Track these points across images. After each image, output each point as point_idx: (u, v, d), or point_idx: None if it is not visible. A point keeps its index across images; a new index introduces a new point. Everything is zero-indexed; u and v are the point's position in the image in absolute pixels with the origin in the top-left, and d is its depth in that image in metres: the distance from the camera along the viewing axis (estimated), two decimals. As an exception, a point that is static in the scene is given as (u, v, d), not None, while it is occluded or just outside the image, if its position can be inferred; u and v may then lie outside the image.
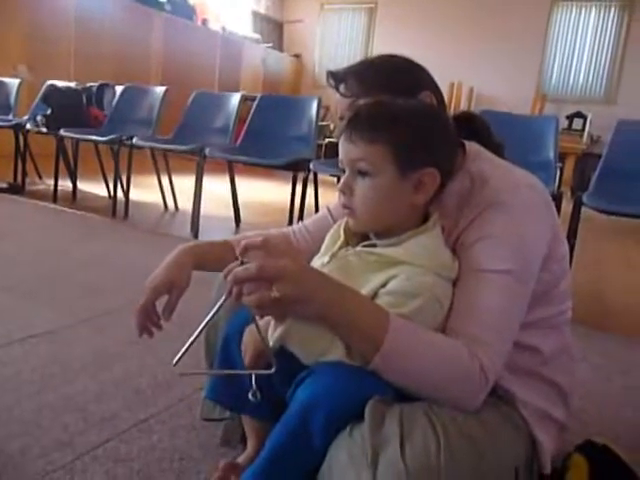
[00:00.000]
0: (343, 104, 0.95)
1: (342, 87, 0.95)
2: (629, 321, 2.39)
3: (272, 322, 0.78)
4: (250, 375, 0.87)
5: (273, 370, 0.78)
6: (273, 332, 0.77)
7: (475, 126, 0.99)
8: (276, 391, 0.86)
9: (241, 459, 1.01)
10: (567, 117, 7.90)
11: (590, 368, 1.72)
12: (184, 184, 3.96)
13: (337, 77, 0.96)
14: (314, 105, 3.29)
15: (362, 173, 0.81)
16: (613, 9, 8.28)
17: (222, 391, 1.01)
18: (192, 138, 3.46)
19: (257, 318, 0.78)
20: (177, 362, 0.77)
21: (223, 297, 0.76)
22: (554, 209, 0.89)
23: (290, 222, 2.93)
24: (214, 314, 0.78)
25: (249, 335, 0.89)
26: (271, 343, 0.78)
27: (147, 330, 0.96)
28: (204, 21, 8.42)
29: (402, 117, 0.82)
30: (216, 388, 1.02)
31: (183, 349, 0.77)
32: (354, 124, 0.82)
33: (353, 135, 0.81)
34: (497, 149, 0.96)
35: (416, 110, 0.84)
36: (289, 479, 0.77)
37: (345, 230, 0.89)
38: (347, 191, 0.83)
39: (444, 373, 0.76)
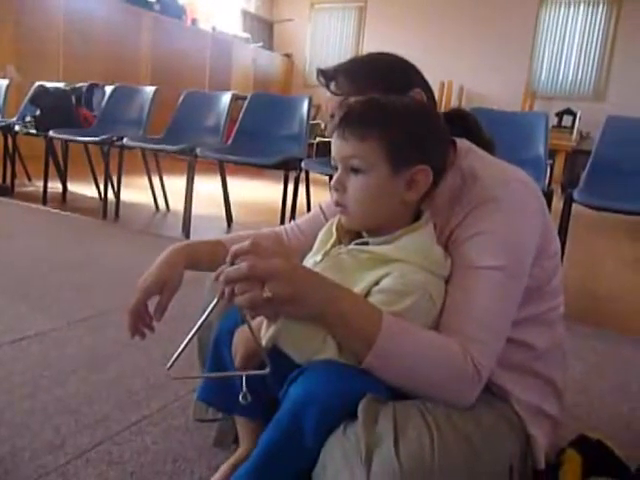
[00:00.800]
0: (333, 102, 0.94)
1: (332, 85, 0.95)
2: (621, 317, 2.40)
3: (264, 322, 0.78)
4: (241, 377, 0.87)
5: (267, 370, 0.77)
6: (265, 332, 0.77)
7: (466, 123, 0.99)
8: (268, 391, 0.85)
9: (233, 459, 1.00)
10: (557, 114, 7.94)
11: (583, 365, 1.73)
12: (175, 184, 3.94)
13: (327, 75, 0.95)
14: (305, 104, 3.29)
15: (354, 170, 0.81)
16: (601, 6, 8.32)
17: (214, 393, 1.00)
18: (183, 138, 3.45)
19: (249, 318, 0.77)
20: (171, 366, 0.77)
21: (215, 299, 0.75)
22: (545, 204, 0.89)
23: (282, 221, 2.93)
24: (206, 317, 0.77)
25: (240, 336, 0.89)
26: (263, 343, 0.77)
27: (139, 331, 0.95)
28: (194, 21, 8.39)
29: (395, 114, 0.82)
30: (208, 390, 1.01)
31: (177, 353, 0.76)
32: (347, 121, 0.82)
33: (346, 132, 0.81)
34: (487, 146, 0.96)
35: (409, 107, 0.84)
36: (282, 478, 0.76)
37: (337, 228, 0.89)
38: (340, 188, 0.83)
39: (437, 371, 0.76)
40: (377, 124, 0.80)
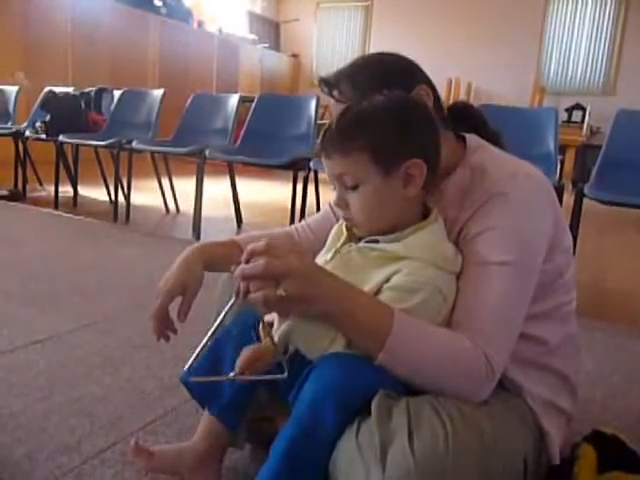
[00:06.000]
0: (339, 109, 0.94)
1: (336, 93, 0.94)
2: (633, 311, 2.39)
3: (276, 319, 0.78)
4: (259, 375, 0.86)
5: (285, 375, 0.78)
6: (277, 328, 0.78)
7: (471, 118, 0.99)
8: (257, 407, 0.88)
9: (177, 447, 0.98)
10: (566, 109, 7.89)
11: (595, 359, 1.72)
12: (185, 186, 3.96)
13: (330, 83, 0.95)
14: (313, 104, 3.30)
15: (349, 186, 0.82)
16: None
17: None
18: (192, 140, 3.46)
19: (264, 316, 0.78)
20: (190, 367, 0.78)
21: (232, 299, 0.76)
22: (556, 197, 0.89)
23: (292, 221, 2.93)
24: (224, 316, 0.78)
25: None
26: (275, 339, 0.78)
27: (164, 335, 0.95)
28: (200, 23, 8.42)
29: (370, 118, 0.81)
30: (194, 375, 0.96)
31: (195, 353, 0.77)
32: (327, 140, 0.82)
33: (329, 151, 0.82)
34: (495, 138, 0.96)
35: (384, 106, 0.82)
36: (309, 476, 0.75)
37: (348, 227, 0.89)
38: (342, 205, 0.84)
39: (449, 368, 0.77)
40: (354, 136, 0.80)
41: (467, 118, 0.98)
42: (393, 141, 0.80)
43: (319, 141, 0.83)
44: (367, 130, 0.80)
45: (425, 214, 0.86)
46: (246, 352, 0.84)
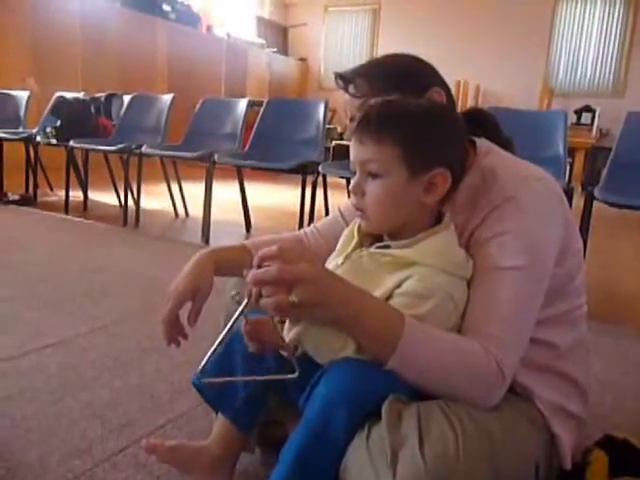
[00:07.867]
0: (353, 105, 0.94)
1: (351, 88, 0.94)
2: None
3: (286, 323, 0.78)
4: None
5: (296, 374, 0.78)
6: (288, 332, 0.78)
7: (484, 123, 0.99)
8: (288, 397, 0.86)
9: (194, 446, 0.97)
10: (575, 112, 7.86)
11: (604, 362, 1.71)
12: (194, 191, 3.98)
13: (345, 78, 0.95)
14: (321, 108, 3.31)
15: (372, 174, 0.81)
16: (619, 0, 8.21)
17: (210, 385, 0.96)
18: (201, 145, 3.48)
19: (276, 319, 0.78)
20: (202, 370, 0.78)
21: (244, 302, 0.77)
22: (566, 202, 0.89)
23: (300, 225, 2.94)
24: (235, 320, 0.79)
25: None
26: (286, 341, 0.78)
27: (174, 339, 0.95)
28: (209, 27, 8.47)
29: (412, 117, 0.81)
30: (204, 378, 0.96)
31: (207, 356, 0.78)
32: (364, 125, 0.81)
33: (363, 136, 0.81)
34: (507, 145, 0.96)
35: (426, 110, 0.83)
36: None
37: (359, 231, 0.89)
38: (358, 192, 0.83)
39: (460, 373, 0.76)
40: (393, 128, 0.80)
41: (480, 123, 0.98)
42: (427, 146, 0.80)
43: (355, 124, 0.82)
44: (407, 127, 0.80)
45: (437, 219, 0.85)
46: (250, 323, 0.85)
